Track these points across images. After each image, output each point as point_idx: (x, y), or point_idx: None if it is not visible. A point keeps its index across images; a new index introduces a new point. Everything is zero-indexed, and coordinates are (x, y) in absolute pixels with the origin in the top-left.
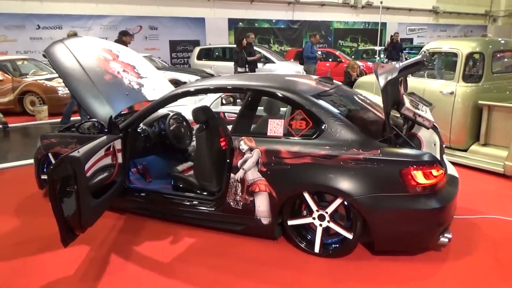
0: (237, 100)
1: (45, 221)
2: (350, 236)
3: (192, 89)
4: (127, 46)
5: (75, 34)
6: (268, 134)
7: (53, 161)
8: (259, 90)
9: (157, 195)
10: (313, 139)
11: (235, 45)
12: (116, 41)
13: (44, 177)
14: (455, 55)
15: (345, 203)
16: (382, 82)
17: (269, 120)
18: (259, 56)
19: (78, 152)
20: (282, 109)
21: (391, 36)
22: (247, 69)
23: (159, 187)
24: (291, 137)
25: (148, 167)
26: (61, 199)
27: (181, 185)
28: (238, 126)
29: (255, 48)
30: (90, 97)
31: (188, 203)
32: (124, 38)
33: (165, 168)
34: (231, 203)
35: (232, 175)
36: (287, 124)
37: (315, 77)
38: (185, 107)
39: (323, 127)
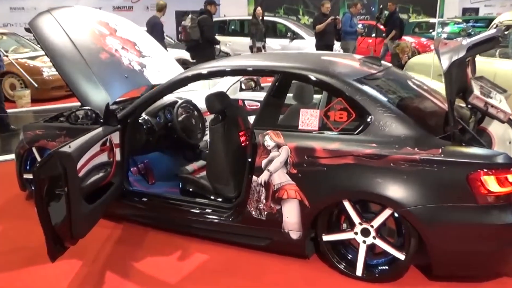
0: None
1: (29, 229)
2: (401, 256)
3: (204, 71)
4: (212, 16)
5: (165, 5)
6: (300, 127)
7: (38, 157)
8: (289, 73)
9: (161, 200)
10: (356, 135)
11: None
12: (201, 10)
13: (27, 176)
14: None
15: (396, 215)
16: (445, 63)
17: (301, 110)
18: (333, 18)
19: (69, 146)
20: (316, 96)
21: (380, 7)
22: (265, 44)
23: (164, 191)
24: (328, 132)
25: (151, 166)
26: (48, 203)
27: (190, 189)
28: (262, 117)
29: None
30: (82, 79)
31: (198, 211)
32: (208, 7)
33: (171, 168)
34: (253, 213)
35: (254, 177)
36: (323, 115)
37: (358, 56)
38: (197, 93)
39: (368, 119)
